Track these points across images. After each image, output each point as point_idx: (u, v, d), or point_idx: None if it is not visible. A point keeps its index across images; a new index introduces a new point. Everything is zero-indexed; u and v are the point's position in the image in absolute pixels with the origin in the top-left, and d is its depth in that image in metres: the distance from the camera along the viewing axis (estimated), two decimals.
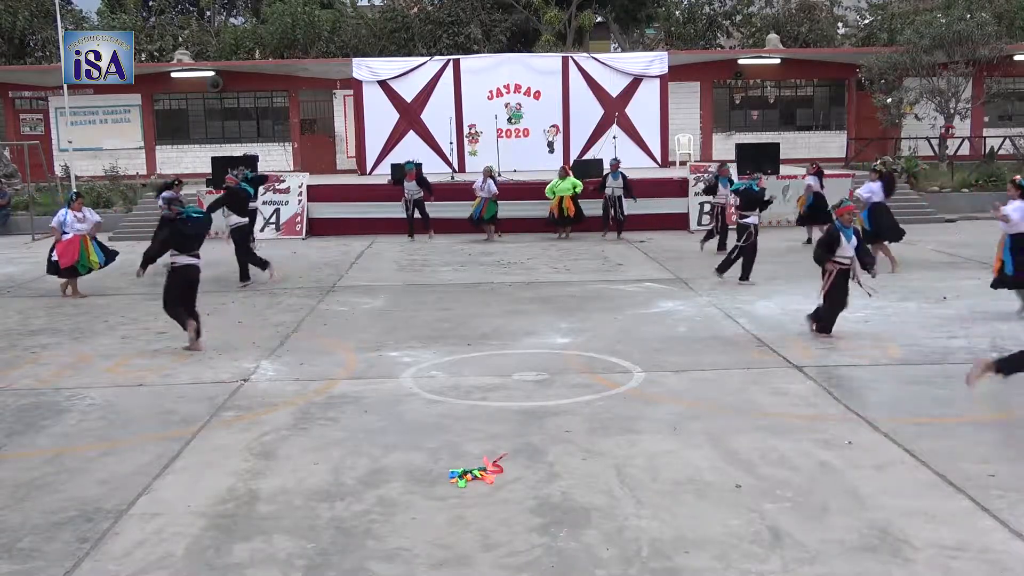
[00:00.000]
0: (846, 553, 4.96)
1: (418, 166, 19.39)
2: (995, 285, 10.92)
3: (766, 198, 13.65)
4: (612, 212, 18.64)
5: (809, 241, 16.54)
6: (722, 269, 13.36)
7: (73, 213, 13.41)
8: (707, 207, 18.61)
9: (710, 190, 16.83)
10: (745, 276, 13.11)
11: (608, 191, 18.58)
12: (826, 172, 21.62)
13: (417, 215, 18.99)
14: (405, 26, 33.46)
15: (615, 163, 18.85)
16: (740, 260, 13.17)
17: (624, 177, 18.54)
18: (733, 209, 14.93)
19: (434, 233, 19.06)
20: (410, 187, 18.78)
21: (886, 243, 13.98)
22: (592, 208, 19.01)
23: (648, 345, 9.68)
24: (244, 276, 14.06)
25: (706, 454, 6.47)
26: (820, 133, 29.41)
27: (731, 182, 16.09)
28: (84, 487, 6.10)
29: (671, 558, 4.94)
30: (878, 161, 17.03)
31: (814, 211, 16.76)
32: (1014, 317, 10.62)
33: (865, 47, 31.34)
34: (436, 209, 19.32)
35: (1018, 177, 11.03)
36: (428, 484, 6.03)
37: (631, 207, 18.70)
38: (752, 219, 13.01)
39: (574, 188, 18.83)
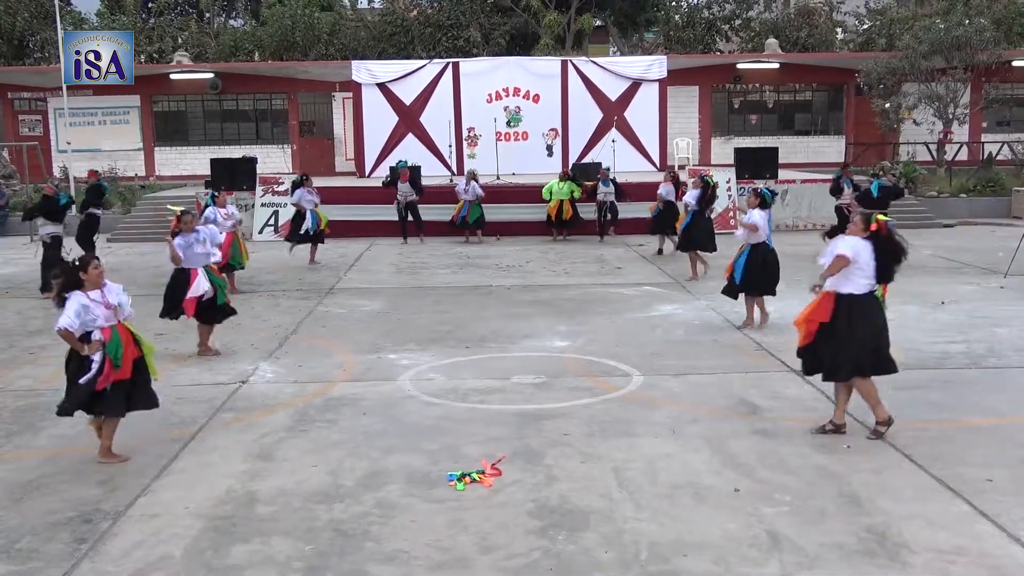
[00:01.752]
0: (844, 557, 4.96)
1: (413, 168, 19.39)
2: (725, 292, 11.04)
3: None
4: (607, 216, 18.84)
5: (660, 252, 16.67)
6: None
7: (219, 210, 12.98)
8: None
9: (835, 191, 16.74)
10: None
11: (600, 196, 18.77)
12: (824, 177, 21.72)
13: (410, 218, 19.01)
14: (404, 29, 33.48)
15: (604, 171, 19.07)
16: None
17: (615, 183, 18.70)
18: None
19: (425, 237, 19.09)
20: (403, 188, 18.76)
21: (698, 252, 14.12)
22: (587, 213, 19.10)
23: (647, 348, 9.69)
24: (46, 287, 13.12)
25: (704, 457, 6.47)
26: (818, 138, 29.46)
27: (853, 183, 16.33)
28: (82, 488, 6.10)
29: (669, 561, 4.94)
30: (707, 173, 16.84)
31: (662, 219, 16.57)
32: (1013, 322, 10.64)
33: (864, 52, 31.40)
34: (435, 212, 19.33)
35: (760, 187, 11.34)
36: (427, 486, 6.03)
37: (628, 209, 18.86)
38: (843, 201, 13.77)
39: (572, 192, 18.93)
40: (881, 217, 6.85)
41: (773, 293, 10.84)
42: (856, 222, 6.89)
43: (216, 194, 13.44)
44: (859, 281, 6.70)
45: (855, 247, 6.69)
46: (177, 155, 28.79)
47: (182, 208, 9.84)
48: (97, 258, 6.64)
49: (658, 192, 16.74)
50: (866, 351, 6.71)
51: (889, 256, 6.74)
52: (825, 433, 6.86)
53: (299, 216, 16.45)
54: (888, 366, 6.87)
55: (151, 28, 34.94)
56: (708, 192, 13.95)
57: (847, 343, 6.68)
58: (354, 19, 35.40)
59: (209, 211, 12.81)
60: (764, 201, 10.81)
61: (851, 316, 6.68)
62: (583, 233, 19.23)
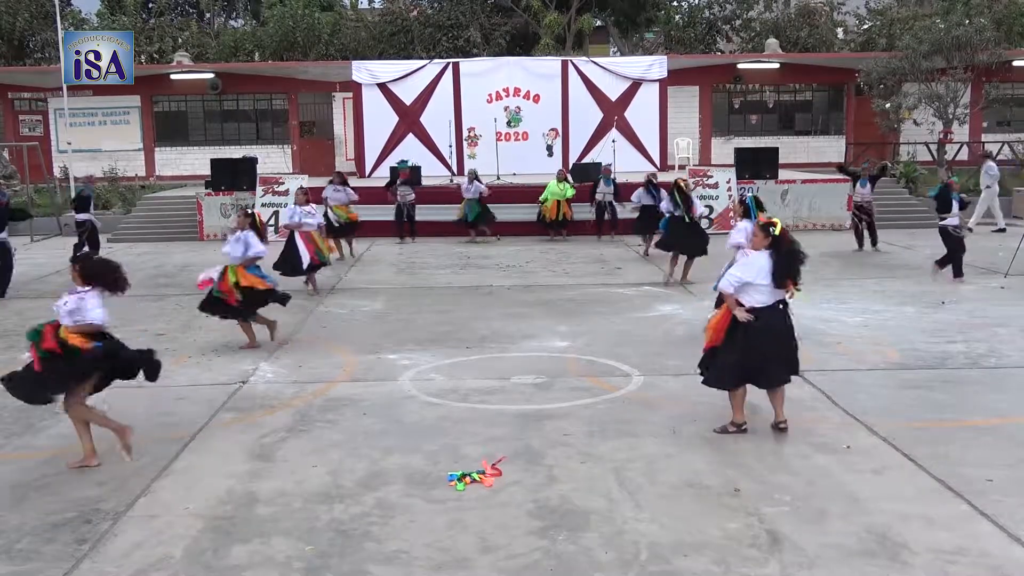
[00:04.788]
0: (844, 557, 4.96)
1: (413, 168, 19.40)
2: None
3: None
4: (606, 216, 18.84)
5: (646, 254, 16.62)
6: (957, 272, 13.59)
7: (303, 208, 13.22)
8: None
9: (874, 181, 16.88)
10: (958, 272, 13.48)
11: (599, 196, 18.77)
12: (824, 177, 21.72)
13: (405, 219, 19.02)
14: (405, 29, 33.50)
15: (606, 169, 19.07)
16: (951, 258, 13.59)
17: (614, 183, 18.71)
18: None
19: (426, 238, 19.13)
20: (403, 189, 18.82)
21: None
22: (585, 213, 19.11)
23: (647, 348, 9.68)
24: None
25: (705, 457, 6.47)
26: (819, 138, 29.47)
27: (871, 178, 16.65)
28: (82, 488, 6.10)
29: (670, 561, 4.94)
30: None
31: (644, 221, 16.56)
32: (1013, 322, 10.64)
33: (864, 52, 31.41)
34: (435, 212, 19.36)
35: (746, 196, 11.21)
36: (427, 487, 6.02)
37: (625, 211, 18.88)
38: (951, 220, 13.44)
39: (564, 192, 18.90)
40: (778, 222, 6.82)
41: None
42: (757, 233, 6.83)
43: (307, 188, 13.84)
44: (755, 296, 6.70)
45: (755, 266, 6.65)
46: (177, 155, 28.82)
47: (248, 207, 10.43)
48: (71, 261, 6.73)
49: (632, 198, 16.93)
50: (754, 363, 6.73)
51: (787, 264, 6.63)
52: (728, 433, 6.87)
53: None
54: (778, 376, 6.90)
55: (151, 28, 34.94)
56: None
57: (740, 354, 6.71)
58: (354, 19, 35.41)
59: (290, 210, 13.30)
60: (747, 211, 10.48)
61: (747, 329, 6.65)
62: (582, 233, 19.23)
